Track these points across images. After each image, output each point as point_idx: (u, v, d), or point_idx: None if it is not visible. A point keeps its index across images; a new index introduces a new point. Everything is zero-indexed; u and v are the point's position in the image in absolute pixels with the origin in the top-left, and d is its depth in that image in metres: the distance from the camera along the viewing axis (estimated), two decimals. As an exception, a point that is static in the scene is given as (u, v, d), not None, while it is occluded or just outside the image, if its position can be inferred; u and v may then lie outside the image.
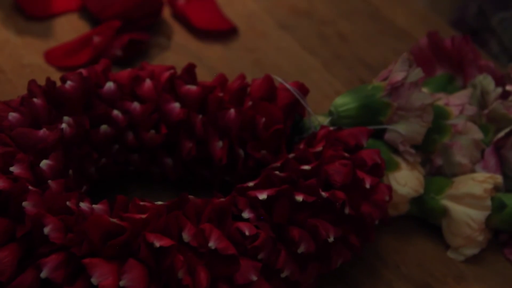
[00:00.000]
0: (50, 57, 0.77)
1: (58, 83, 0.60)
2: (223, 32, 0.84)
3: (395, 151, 0.65)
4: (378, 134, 0.65)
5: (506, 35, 0.85)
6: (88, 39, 0.78)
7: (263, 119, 0.61)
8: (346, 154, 0.58)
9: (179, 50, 0.81)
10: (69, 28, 0.81)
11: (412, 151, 0.64)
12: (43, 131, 0.56)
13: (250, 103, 0.62)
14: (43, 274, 0.48)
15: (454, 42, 0.75)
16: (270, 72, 0.65)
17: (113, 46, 0.77)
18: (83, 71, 0.61)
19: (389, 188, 0.59)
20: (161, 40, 0.82)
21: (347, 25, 0.87)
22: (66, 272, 0.48)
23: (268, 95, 0.63)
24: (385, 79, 0.66)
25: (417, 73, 0.64)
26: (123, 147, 0.63)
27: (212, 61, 0.80)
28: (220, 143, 0.62)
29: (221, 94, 0.63)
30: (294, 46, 0.84)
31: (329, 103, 0.66)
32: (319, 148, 0.59)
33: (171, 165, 0.64)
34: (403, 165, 0.64)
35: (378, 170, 0.59)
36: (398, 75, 0.64)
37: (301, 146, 0.61)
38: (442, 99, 0.69)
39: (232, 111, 0.62)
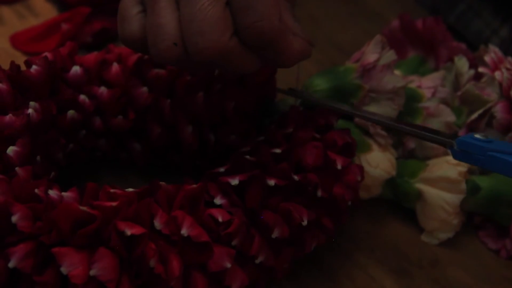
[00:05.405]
0: (17, 41, 0.75)
1: (23, 68, 0.58)
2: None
3: (367, 133, 0.64)
4: (350, 115, 0.64)
5: (468, 30, 0.85)
6: (56, 25, 0.76)
7: (232, 102, 0.61)
8: (316, 135, 0.58)
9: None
10: (36, 11, 0.80)
11: (383, 133, 0.64)
12: (9, 117, 0.54)
13: (218, 85, 0.61)
14: (11, 264, 0.46)
15: (425, 24, 0.75)
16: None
17: (83, 33, 0.76)
18: (49, 54, 0.59)
19: (361, 168, 0.58)
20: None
21: (318, 7, 0.86)
22: (35, 262, 0.47)
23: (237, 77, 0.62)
24: (357, 61, 0.65)
25: (389, 55, 0.63)
26: (90, 132, 0.62)
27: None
28: (190, 128, 0.61)
29: (188, 78, 0.62)
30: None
31: (301, 86, 0.65)
32: (289, 130, 0.58)
33: (140, 150, 0.63)
34: (374, 146, 0.64)
35: (350, 150, 0.58)
36: (370, 57, 0.63)
37: (272, 128, 0.60)
38: (414, 82, 0.69)
39: (200, 95, 0.61)
